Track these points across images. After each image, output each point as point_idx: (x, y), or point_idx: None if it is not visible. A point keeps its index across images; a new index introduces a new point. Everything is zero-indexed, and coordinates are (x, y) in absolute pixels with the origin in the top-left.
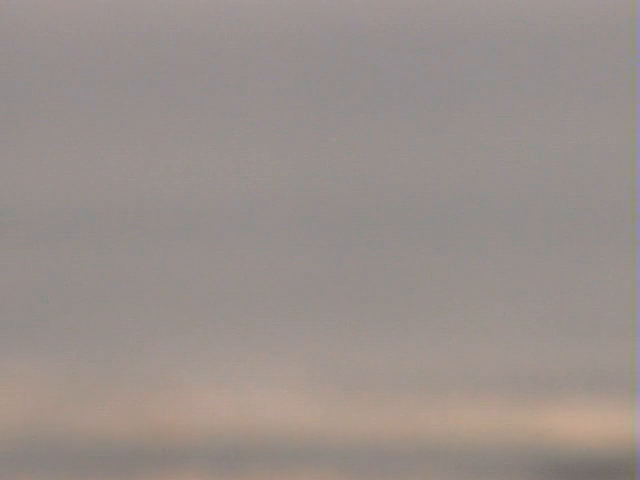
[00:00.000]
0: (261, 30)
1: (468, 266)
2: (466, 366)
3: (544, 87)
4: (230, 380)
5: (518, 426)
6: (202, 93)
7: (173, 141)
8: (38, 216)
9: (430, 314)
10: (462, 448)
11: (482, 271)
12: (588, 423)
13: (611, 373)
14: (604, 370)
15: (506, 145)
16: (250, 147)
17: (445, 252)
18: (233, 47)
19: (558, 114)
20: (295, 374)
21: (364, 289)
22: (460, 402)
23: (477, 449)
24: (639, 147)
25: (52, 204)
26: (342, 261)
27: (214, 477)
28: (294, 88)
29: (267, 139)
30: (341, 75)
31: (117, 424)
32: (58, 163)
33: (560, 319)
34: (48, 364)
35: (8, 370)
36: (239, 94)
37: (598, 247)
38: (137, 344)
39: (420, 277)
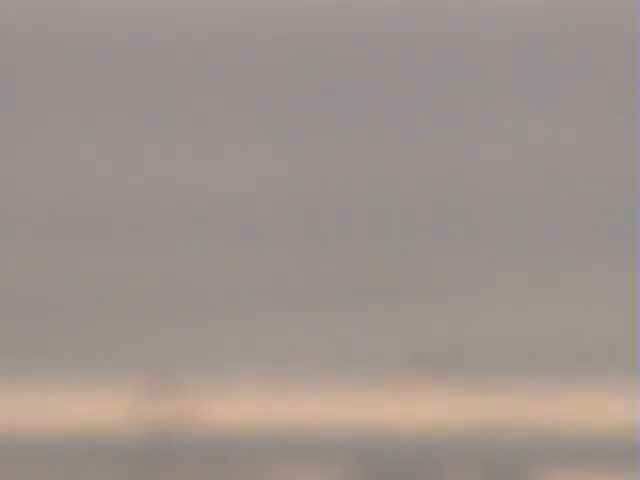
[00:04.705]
0: (264, 33)
1: (467, 266)
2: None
3: (544, 89)
4: (236, 382)
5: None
6: (204, 93)
7: (173, 141)
8: (40, 215)
9: (429, 312)
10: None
11: (481, 271)
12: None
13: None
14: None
15: (507, 146)
16: (250, 147)
17: (444, 253)
18: (236, 48)
19: (558, 116)
20: (297, 373)
21: (364, 287)
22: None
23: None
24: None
25: (53, 204)
26: (341, 260)
27: (220, 475)
28: (298, 89)
29: (268, 139)
30: (343, 75)
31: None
32: (58, 163)
33: (560, 320)
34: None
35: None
36: (241, 95)
37: (597, 248)
38: (139, 344)
39: (420, 277)
